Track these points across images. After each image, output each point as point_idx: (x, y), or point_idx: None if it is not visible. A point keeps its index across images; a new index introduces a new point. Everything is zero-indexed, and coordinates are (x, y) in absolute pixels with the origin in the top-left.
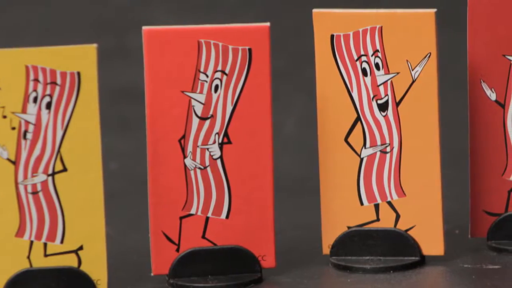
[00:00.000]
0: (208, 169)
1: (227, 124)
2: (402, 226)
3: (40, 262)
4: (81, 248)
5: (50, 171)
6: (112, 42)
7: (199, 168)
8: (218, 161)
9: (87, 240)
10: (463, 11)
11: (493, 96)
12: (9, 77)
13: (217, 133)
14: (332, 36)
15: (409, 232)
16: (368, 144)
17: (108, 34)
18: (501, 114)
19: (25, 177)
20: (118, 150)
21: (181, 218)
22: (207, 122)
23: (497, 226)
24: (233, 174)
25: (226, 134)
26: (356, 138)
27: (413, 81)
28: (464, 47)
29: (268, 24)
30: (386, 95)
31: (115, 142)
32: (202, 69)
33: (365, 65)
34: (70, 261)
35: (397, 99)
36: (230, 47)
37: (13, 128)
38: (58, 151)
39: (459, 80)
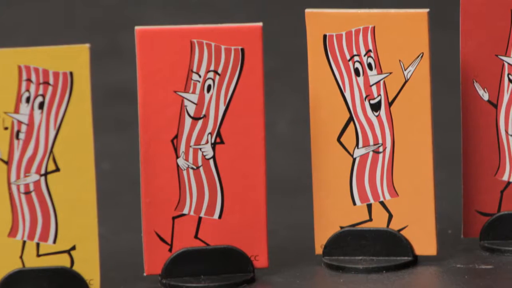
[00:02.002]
0: (201, 169)
1: (220, 124)
2: (394, 226)
3: (32, 262)
4: (73, 248)
5: (42, 171)
6: (105, 42)
7: (192, 168)
8: (211, 161)
9: (79, 240)
10: (456, 11)
11: (485, 96)
12: (1, 77)
13: (210, 133)
14: (324, 36)
15: (402, 232)
16: (360, 144)
17: (100, 34)
18: (494, 114)
19: (18, 177)
20: (110, 150)
21: (173, 218)
22: (200, 122)
23: (490, 226)
24: (225, 174)
25: (218, 134)
26: (348, 138)
27: (406, 81)
28: (457, 47)
29: (260, 24)
30: (379, 95)
31: (107, 142)
32: (194, 69)
33: (357, 65)
34: (62, 261)
35: (390, 99)
36: (223, 47)
37: (6, 128)
38: (51, 151)
39: (452, 80)
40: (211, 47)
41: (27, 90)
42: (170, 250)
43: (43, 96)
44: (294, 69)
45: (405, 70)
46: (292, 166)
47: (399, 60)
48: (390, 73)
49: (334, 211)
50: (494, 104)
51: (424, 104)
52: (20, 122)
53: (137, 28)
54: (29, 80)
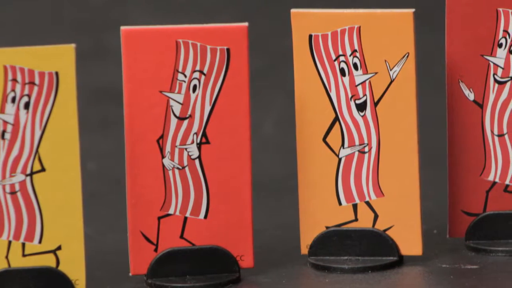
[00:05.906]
0: (186, 169)
1: (205, 124)
2: (380, 226)
3: (18, 262)
4: (59, 248)
5: (28, 171)
6: (90, 42)
7: (177, 168)
8: (196, 161)
9: (65, 240)
10: (442, 11)
11: (471, 96)
12: None
13: (195, 133)
14: (310, 36)
15: (388, 232)
16: (346, 144)
17: (86, 34)
18: (479, 114)
19: (3, 177)
20: (96, 150)
21: (159, 218)
22: (185, 122)
23: (475, 226)
24: (211, 174)
25: (204, 134)
26: (334, 138)
27: (391, 81)
28: (442, 47)
29: (246, 24)
30: (364, 95)
31: (93, 142)
32: (180, 69)
33: (343, 65)
34: (48, 261)
35: (375, 99)
36: (208, 47)
37: None
38: (36, 151)
39: (437, 80)
40: (196, 47)
41: (13, 90)
42: (155, 250)
43: (29, 96)
44: (279, 69)
45: (390, 70)
46: (277, 166)
47: (385, 60)
48: (376, 73)
49: (319, 211)
50: (480, 104)
51: (410, 104)
52: (5, 122)
53: (122, 28)
54: (14, 80)
